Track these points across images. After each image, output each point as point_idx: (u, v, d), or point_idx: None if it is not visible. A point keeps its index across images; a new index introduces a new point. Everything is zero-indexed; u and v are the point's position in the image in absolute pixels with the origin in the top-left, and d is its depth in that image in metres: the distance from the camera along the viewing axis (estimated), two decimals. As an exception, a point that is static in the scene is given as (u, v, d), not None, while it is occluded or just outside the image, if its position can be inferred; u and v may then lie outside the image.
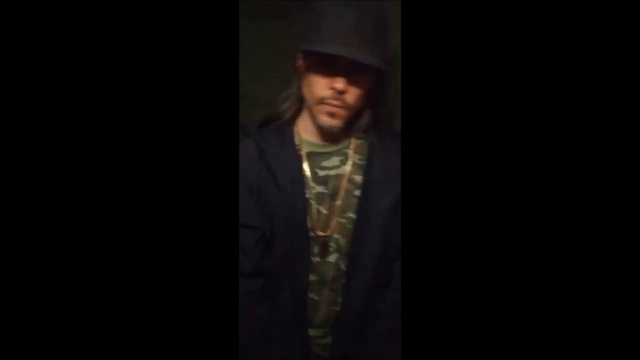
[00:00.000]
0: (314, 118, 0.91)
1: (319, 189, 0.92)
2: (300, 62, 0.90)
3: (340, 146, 0.94)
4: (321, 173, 0.93)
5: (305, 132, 0.95)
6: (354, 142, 0.94)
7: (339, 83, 0.84)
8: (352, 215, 0.91)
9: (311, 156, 0.93)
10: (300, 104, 0.94)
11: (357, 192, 0.92)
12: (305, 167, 0.93)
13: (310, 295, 0.91)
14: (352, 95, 0.87)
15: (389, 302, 0.90)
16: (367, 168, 0.92)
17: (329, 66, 0.84)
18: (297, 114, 0.95)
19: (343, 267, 0.91)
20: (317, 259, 0.91)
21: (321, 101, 0.87)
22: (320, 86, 0.87)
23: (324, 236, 0.90)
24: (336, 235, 0.91)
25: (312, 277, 0.91)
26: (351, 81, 0.85)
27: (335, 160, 0.94)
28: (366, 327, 0.91)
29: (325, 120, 0.88)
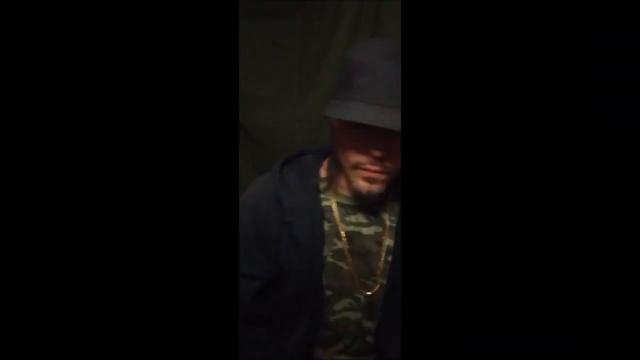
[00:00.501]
0: (349, 182, 0.80)
1: (340, 244, 0.82)
2: (332, 123, 0.80)
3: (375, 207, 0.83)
4: (345, 229, 0.82)
5: (337, 186, 0.84)
6: (390, 203, 0.84)
7: (377, 151, 0.74)
8: (382, 281, 0.82)
9: (336, 208, 0.83)
10: (337, 166, 0.82)
11: (390, 258, 0.83)
12: (327, 222, 0.82)
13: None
14: (393, 159, 0.75)
15: None
16: (399, 231, 0.82)
17: (363, 129, 0.72)
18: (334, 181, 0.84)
19: (368, 325, 0.84)
20: (346, 313, 0.83)
21: (358, 167, 0.77)
22: (355, 150, 0.76)
23: (366, 294, 0.82)
24: (358, 295, 0.83)
25: (326, 333, 0.84)
26: (392, 146, 0.73)
27: (361, 217, 0.83)
28: None
29: (362, 186, 0.77)
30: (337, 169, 0.82)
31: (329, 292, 0.82)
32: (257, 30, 1.34)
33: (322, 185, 0.84)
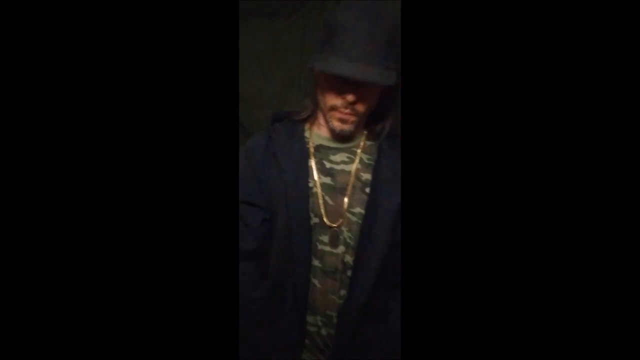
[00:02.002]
0: (326, 122, 0.96)
1: (325, 179, 0.95)
2: (313, 71, 0.93)
3: (349, 145, 0.98)
4: (328, 165, 0.96)
5: (317, 129, 0.99)
6: (363, 143, 0.98)
7: (349, 96, 0.88)
8: (360, 210, 0.93)
9: (319, 149, 0.97)
10: (315, 107, 0.98)
11: (367, 189, 0.94)
12: (312, 158, 0.96)
13: (313, 280, 0.92)
14: (363, 105, 0.91)
15: (397, 304, 0.92)
16: (375, 168, 0.96)
17: (340, 78, 0.87)
18: (311, 115, 1.00)
19: (349, 260, 0.92)
20: (326, 247, 0.93)
21: (333, 109, 0.92)
22: (332, 96, 0.91)
23: (333, 227, 0.92)
24: (344, 228, 0.93)
25: (315, 263, 0.92)
26: (362, 93, 0.89)
27: (343, 156, 0.97)
28: (369, 325, 0.92)
29: (337, 125, 0.93)
30: (316, 110, 0.99)
31: (315, 220, 0.93)
32: (257, 30, 1.34)
33: (307, 133, 0.99)
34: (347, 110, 0.91)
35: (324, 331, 0.93)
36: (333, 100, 0.90)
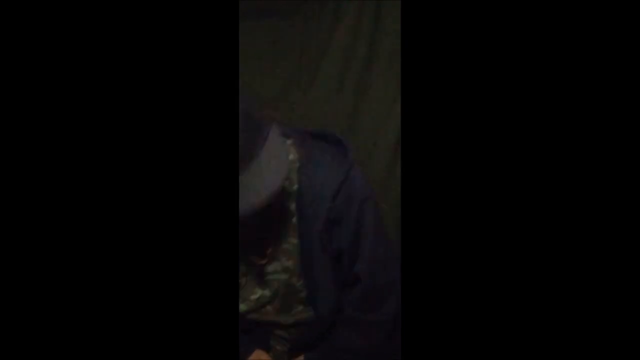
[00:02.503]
0: None
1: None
2: None
3: None
4: None
5: None
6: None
7: None
8: (294, 240, 0.94)
9: None
10: None
11: (294, 220, 0.94)
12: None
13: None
14: None
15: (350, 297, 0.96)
16: (298, 193, 0.93)
17: None
18: None
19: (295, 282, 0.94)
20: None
21: None
22: None
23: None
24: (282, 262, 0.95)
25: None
26: None
27: None
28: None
29: None
30: None
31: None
32: (257, 30, 1.34)
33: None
34: None
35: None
36: None
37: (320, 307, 0.95)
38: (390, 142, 1.21)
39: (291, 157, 0.93)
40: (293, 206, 0.93)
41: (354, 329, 0.96)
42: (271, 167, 0.81)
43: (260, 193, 0.79)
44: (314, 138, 0.98)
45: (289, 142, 0.94)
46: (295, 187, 0.93)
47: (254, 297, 0.96)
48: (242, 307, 0.96)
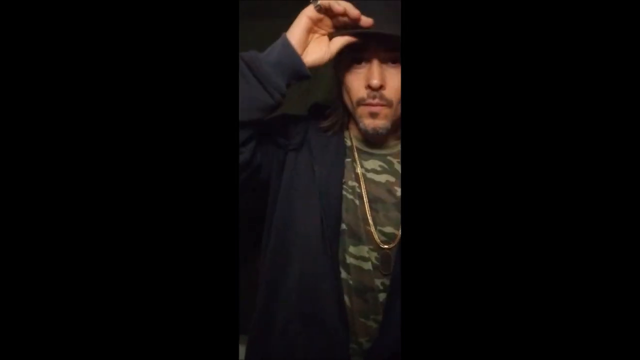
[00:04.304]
0: (357, 124, 0.86)
1: (354, 185, 0.87)
2: (335, 68, 0.88)
3: (385, 151, 0.89)
4: (358, 170, 0.88)
5: (352, 131, 0.91)
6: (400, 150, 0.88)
7: (374, 79, 0.80)
8: (394, 231, 0.85)
9: (354, 149, 0.89)
10: (346, 115, 0.90)
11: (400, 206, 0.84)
12: (347, 158, 0.88)
13: (343, 297, 0.83)
14: (392, 90, 0.82)
15: None
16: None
17: (361, 60, 0.81)
18: (344, 125, 0.91)
19: (384, 281, 0.84)
20: (355, 261, 0.84)
21: (360, 103, 0.84)
22: (356, 88, 0.83)
23: (385, 249, 0.84)
24: (371, 245, 0.85)
25: (345, 276, 0.84)
26: (387, 74, 0.82)
27: (375, 164, 0.89)
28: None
29: (368, 123, 0.84)
30: (345, 115, 0.90)
31: (343, 227, 0.85)
32: (257, 30, 1.34)
33: (346, 138, 0.91)
34: (376, 101, 0.81)
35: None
36: (358, 92, 0.82)
37: (395, 326, 0.80)
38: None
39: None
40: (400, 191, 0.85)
41: None
42: None
43: None
44: None
45: None
46: None
47: None
48: None
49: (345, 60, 0.84)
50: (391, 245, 0.84)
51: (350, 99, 0.85)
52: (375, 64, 0.81)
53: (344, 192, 0.86)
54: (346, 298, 0.84)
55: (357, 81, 0.83)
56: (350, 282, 0.85)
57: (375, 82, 0.80)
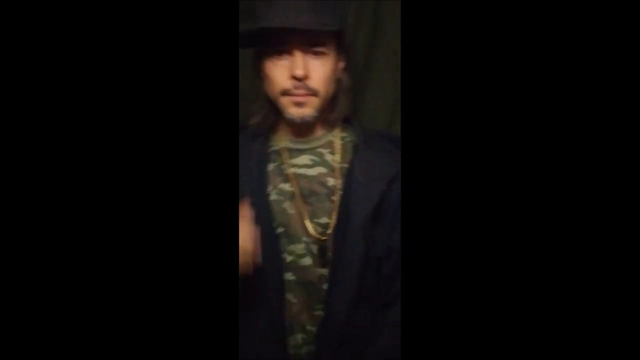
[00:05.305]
0: (282, 115, 0.86)
1: (285, 186, 0.87)
2: (256, 60, 0.86)
3: (313, 145, 0.90)
4: (289, 170, 0.88)
5: (283, 130, 0.91)
6: (333, 142, 0.90)
7: (298, 69, 0.80)
8: (327, 220, 0.86)
9: (282, 152, 0.89)
10: (274, 113, 0.88)
11: (333, 197, 0.86)
12: (271, 163, 0.89)
13: (287, 296, 0.85)
14: (316, 80, 0.83)
15: (388, 320, 0.85)
16: (348, 171, 0.87)
17: (282, 52, 0.81)
18: (269, 118, 0.90)
19: (324, 273, 0.85)
20: (299, 260, 0.86)
21: (285, 93, 0.83)
22: (279, 78, 0.82)
23: (322, 239, 0.85)
24: (308, 239, 0.86)
25: (288, 277, 0.86)
26: (311, 64, 0.82)
27: (306, 159, 0.89)
28: (354, 343, 0.86)
29: (294, 112, 0.84)
30: (273, 111, 0.88)
31: (280, 230, 0.86)
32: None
33: (271, 138, 0.91)
34: (301, 91, 0.81)
35: (305, 349, 0.86)
36: (281, 83, 0.82)
37: (338, 311, 0.84)
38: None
39: (347, 136, 0.90)
40: (335, 182, 0.87)
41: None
42: None
43: None
44: (374, 133, 0.94)
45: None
46: (346, 165, 0.88)
47: None
48: None
49: (266, 53, 0.83)
50: (328, 236, 0.86)
51: (274, 90, 0.84)
52: (298, 55, 0.81)
53: (274, 197, 0.87)
54: (291, 296, 0.86)
55: (281, 72, 0.82)
56: (294, 279, 0.86)
57: (299, 72, 0.80)
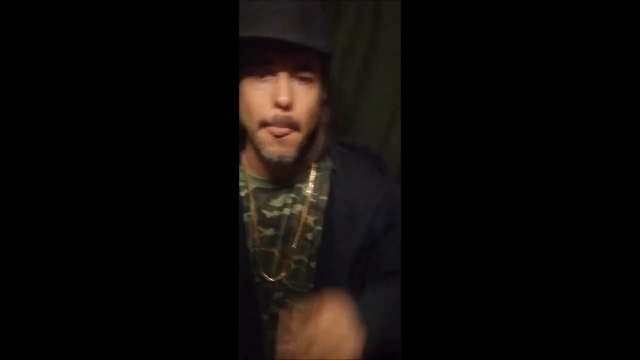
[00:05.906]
0: (258, 151, 0.75)
1: (268, 232, 0.79)
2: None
3: (290, 181, 0.80)
4: (268, 214, 0.79)
5: (251, 167, 0.80)
6: (309, 175, 0.81)
7: (283, 95, 0.69)
8: (303, 258, 0.79)
9: (257, 194, 0.79)
10: (243, 135, 0.77)
11: (309, 236, 0.79)
12: (248, 211, 0.79)
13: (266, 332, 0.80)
14: (300, 111, 0.72)
15: None
16: (327, 204, 0.79)
17: (265, 74, 0.70)
18: (241, 148, 0.80)
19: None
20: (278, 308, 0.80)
21: (263, 125, 0.72)
22: (260, 105, 0.71)
23: (271, 281, 0.79)
24: (286, 281, 0.80)
25: (265, 318, 0.80)
26: (296, 90, 0.71)
27: (285, 198, 0.80)
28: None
29: (273, 151, 0.72)
30: (247, 145, 0.78)
31: (257, 279, 0.79)
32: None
33: (241, 176, 0.80)
34: (282, 124, 0.70)
35: None
36: (262, 111, 0.71)
37: None
38: (391, 142, 1.21)
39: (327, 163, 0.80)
40: (312, 219, 0.79)
41: None
42: None
43: None
44: (348, 148, 0.83)
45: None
46: (324, 198, 0.79)
47: None
48: None
49: (245, 73, 0.72)
50: (281, 276, 0.79)
51: (251, 118, 0.73)
52: (283, 78, 0.70)
53: (254, 249, 0.79)
54: (276, 308, 0.81)
55: (261, 98, 0.71)
56: (279, 295, 0.81)
57: (283, 98, 0.69)
